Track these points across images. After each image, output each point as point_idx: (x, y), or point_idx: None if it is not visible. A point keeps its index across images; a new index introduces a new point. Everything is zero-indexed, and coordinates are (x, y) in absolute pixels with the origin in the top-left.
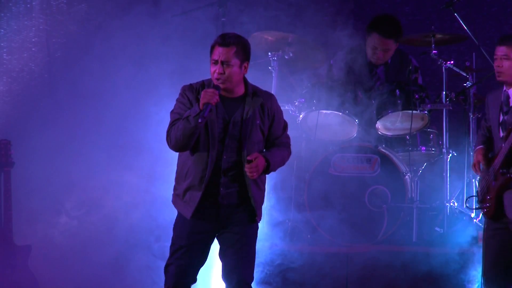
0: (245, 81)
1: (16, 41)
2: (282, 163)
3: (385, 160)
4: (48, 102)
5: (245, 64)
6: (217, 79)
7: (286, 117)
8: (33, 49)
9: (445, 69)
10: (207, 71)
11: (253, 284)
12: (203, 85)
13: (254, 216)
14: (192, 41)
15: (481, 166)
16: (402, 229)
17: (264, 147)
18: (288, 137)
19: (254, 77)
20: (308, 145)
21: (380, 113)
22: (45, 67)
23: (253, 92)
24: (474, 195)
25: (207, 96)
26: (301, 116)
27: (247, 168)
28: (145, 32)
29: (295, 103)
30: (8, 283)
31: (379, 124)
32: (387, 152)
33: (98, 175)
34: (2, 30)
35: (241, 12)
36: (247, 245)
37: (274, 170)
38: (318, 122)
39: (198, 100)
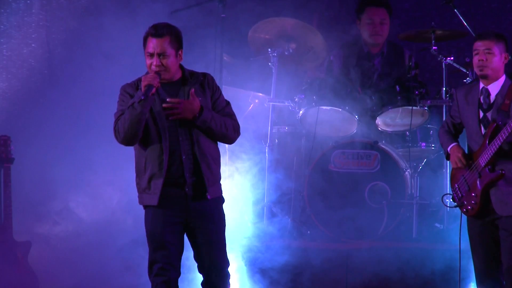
0: (181, 66)
1: (16, 37)
2: (224, 126)
3: (385, 156)
4: (48, 98)
5: (180, 52)
6: (156, 70)
7: (286, 113)
8: (33, 45)
9: (445, 65)
10: (206, 66)
11: (252, 281)
12: (140, 80)
13: (218, 203)
14: (192, 37)
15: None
16: (402, 225)
17: None
18: (232, 111)
19: (254, 73)
20: (308, 141)
21: (380, 109)
22: (45, 63)
23: (190, 74)
24: (449, 193)
25: (148, 79)
26: (301, 112)
27: (165, 105)
28: (144, 28)
29: (295, 99)
30: (8, 279)
31: (379, 120)
32: (387, 148)
33: (99, 171)
34: (2, 26)
35: (241, 8)
36: (216, 234)
37: (212, 126)
38: (318, 118)
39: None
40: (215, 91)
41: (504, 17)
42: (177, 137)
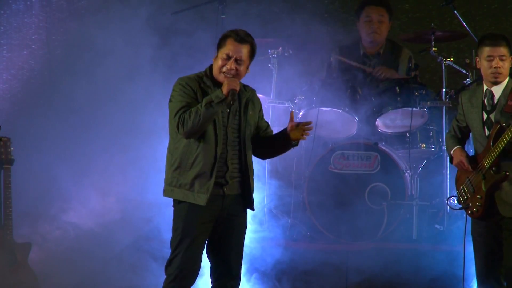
0: None
1: (16, 39)
2: None
3: (385, 158)
4: (48, 100)
5: (249, 65)
6: (229, 75)
7: (286, 114)
8: (33, 46)
9: (445, 66)
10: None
11: (252, 282)
12: (201, 77)
13: (247, 206)
14: (192, 38)
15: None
16: (402, 226)
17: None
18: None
19: (254, 74)
20: (308, 142)
21: (380, 111)
22: (45, 64)
23: (243, 86)
24: (454, 195)
25: (233, 83)
26: (301, 113)
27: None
28: (144, 29)
29: (295, 100)
30: (8, 280)
31: (378, 122)
32: (387, 150)
33: (100, 172)
34: (2, 28)
35: (241, 9)
36: (239, 239)
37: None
38: (318, 119)
39: (200, 90)
40: (261, 109)
41: (504, 18)
42: (229, 140)
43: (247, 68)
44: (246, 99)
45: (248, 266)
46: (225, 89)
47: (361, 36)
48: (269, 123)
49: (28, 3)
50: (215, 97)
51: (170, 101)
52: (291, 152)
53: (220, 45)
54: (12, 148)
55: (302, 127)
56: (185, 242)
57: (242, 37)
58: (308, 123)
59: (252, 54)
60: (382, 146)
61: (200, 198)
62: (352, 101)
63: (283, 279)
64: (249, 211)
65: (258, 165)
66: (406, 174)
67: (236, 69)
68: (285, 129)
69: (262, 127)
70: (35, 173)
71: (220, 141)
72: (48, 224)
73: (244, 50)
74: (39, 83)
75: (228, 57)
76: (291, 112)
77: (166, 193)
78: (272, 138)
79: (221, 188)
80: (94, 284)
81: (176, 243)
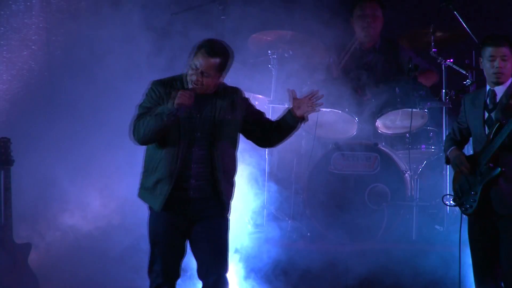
0: None
1: (16, 39)
2: None
3: (385, 158)
4: (48, 100)
5: (223, 74)
6: (194, 86)
7: None
8: (33, 47)
9: (445, 67)
10: None
11: (252, 283)
12: (175, 81)
13: (223, 211)
14: (192, 40)
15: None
16: (402, 227)
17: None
18: None
19: (254, 75)
20: (308, 143)
21: (380, 111)
22: (45, 65)
23: (223, 89)
24: (449, 193)
25: (184, 98)
26: None
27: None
28: (144, 30)
29: None
30: (8, 281)
31: (378, 123)
32: (386, 150)
33: (100, 173)
34: (2, 28)
35: (241, 9)
36: (219, 239)
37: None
38: (317, 120)
39: (168, 95)
40: (248, 105)
41: (504, 19)
42: (196, 145)
43: (219, 78)
44: (224, 102)
45: (248, 267)
46: (176, 103)
47: (355, 32)
48: None
49: (28, 4)
50: (166, 110)
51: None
52: (291, 153)
53: (194, 53)
54: (12, 149)
55: (309, 100)
56: (156, 248)
57: (214, 51)
58: (316, 92)
59: (223, 66)
60: (382, 146)
61: (157, 203)
62: (352, 102)
63: (283, 279)
64: (248, 211)
65: (258, 166)
66: (406, 175)
67: (202, 82)
68: (288, 110)
69: (258, 120)
70: (35, 173)
71: (185, 146)
72: (48, 225)
73: (214, 63)
74: (39, 83)
75: (197, 69)
76: (291, 91)
77: (138, 194)
78: (276, 123)
79: (185, 192)
80: (95, 284)
81: (150, 249)
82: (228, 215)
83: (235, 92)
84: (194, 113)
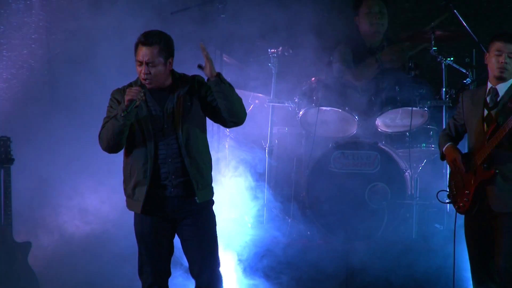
0: (171, 72)
1: (16, 38)
2: (238, 96)
3: (385, 157)
4: (48, 99)
5: (170, 60)
6: (144, 80)
7: (286, 113)
8: (33, 46)
9: (445, 65)
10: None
11: (251, 281)
12: (130, 85)
13: (207, 203)
14: (192, 38)
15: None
16: (402, 226)
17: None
18: None
19: (254, 74)
20: (308, 141)
21: (380, 110)
22: (45, 64)
23: (180, 79)
24: (444, 189)
25: (131, 93)
26: (301, 112)
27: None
28: (144, 29)
29: (295, 99)
30: (8, 280)
31: (378, 121)
32: (387, 149)
33: (100, 172)
34: (2, 27)
35: (240, 9)
36: (206, 234)
37: (227, 91)
38: (317, 118)
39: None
40: (203, 85)
41: (504, 18)
42: (164, 141)
43: (167, 65)
44: (182, 91)
45: (248, 266)
46: (125, 100)
47: (361, 30)
48: (269, 123)
49: (28, 2)
50: (119, 109)
51: None
52: (291, 152)
53: (134, 50)
54: (12, 148)
55: (204, 56)
56: (143, 249)
57: (149, 39)
58: (201, 45)
59: (164, 52)
60: (382, 145)
61: (137, 206)
62: (352, 101)
63: (283, 278)
64: (248, 210)
65: (258, 165)
66: (406, 173)
67: (150, 72)
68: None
69: (214, 99)
70: (35, 172)
71: (152, 144)
72: (48, 223)
73: (154, 51)
74: (39, 82)
75: (140, 63)
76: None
77: (126, 205)
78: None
79: (165, 190)
80: (94, 283)
81: (138, 250)
82: (212, 206)
83: (193, 79)
84: (155, 109)
